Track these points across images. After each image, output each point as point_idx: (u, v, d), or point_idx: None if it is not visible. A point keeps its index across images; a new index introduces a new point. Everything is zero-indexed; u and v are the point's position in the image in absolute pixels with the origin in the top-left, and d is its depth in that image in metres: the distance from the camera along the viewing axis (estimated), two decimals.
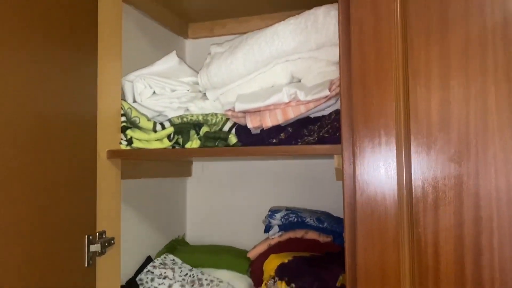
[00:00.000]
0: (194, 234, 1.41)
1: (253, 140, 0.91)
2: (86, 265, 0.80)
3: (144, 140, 0.93)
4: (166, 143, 0.93)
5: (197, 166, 1.43)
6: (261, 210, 1.30)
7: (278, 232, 1.15)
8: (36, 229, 0.70)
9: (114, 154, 0.90)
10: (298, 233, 1.13)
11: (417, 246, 0.65)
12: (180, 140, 0.94)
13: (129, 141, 0.93)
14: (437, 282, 0.64)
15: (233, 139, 0.93)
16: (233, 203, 1.39)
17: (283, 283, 0.91)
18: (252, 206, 1.36)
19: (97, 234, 0.83)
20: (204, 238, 1.39)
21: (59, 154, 0.76)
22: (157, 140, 0.93)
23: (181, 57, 1.08)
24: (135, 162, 1.08)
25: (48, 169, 0.73)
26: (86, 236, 0.80)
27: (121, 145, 0.93)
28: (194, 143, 0.93)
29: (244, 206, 1.38)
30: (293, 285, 0.90)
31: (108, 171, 0.90)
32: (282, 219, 1.15)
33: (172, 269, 1.12)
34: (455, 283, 0.63)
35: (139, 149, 0.93)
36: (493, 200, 0.64)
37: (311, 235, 1.12)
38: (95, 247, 0.82)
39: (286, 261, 0.97)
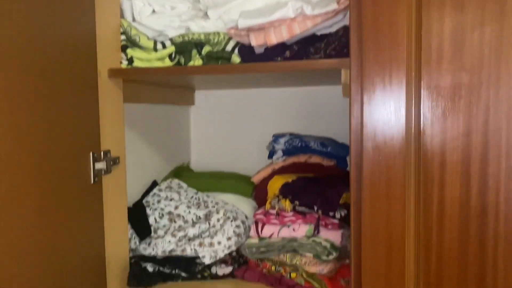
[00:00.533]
0: (199, 162, 1.42)
1: (256, 59, 0.88)
2: (92, 182, 0.80)
3: (145, 60, 0.91)
4: (168, 63, 0.91)
5: (200, 95, 1.41)
6: (265, 137, 1.30)
7: (282, 156, 1.16)
8: (40, 145, 0.69)
9: (115, 72, 0.88)
10: (301, 158, 1.14)
11: (424, 156, 0.65)
12: (182, 60, 0.92)
13: (130, 61, 0.91)
14: (442, 191, 0.64)
15: (236, 58, 0.90)
16: (237, 131, 1.39)
17: (287, 201, 0.92)
18: (255, 134, 1.36)
19: (102, 152, 0.84)
20: (209, 165, 1.40)
21: (60, 74, 0.75)
22: (158, 60, 0.91)
23: None
24: (137, 86, 1.06)
25: (50, 87, 0.72)
26: (91, 153, 0.80)
27: (121, 65, 0.91)
28: (196, 63, 0.91)
29: (247, 134, 1.38)
30: (296, 202, 0.91)
31: (110, 91, 0.88)
32: (286, 144, 1.15)
33: (178, 192, 1.13)
34: (460, 191, 0.63)
35: (140, 68, 0.91)
36: (503, 112, 0.62)
37: (315, 159, 1.12)
38: (100, 165, 0.82)
39: (290, 180, 0.98)
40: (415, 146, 0.65)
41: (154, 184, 1.17)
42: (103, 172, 0.84)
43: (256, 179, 1.15)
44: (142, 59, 0.91)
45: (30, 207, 0.67)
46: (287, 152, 1.16)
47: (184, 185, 1.18)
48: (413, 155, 0.66)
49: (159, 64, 0.91)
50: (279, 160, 1.16)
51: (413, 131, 0.65)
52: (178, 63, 0.91)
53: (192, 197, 1.13)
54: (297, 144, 1.15)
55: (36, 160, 0.68)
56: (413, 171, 0.66)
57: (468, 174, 0.63)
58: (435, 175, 0.64)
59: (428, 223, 0.65)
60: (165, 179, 1.22)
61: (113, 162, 0.86)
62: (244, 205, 1.13)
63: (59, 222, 0.74)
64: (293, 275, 0.87)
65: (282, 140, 1.16)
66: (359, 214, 0.70)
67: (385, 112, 0.66)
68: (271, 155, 1.20)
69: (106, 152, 0.85)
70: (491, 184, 0.62)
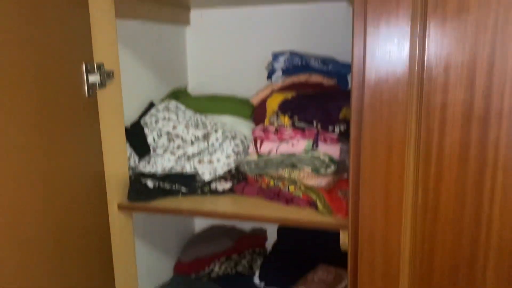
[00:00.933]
0: (196, 85, 1.39)
1: None
2: (86, 95, 0.78)
3: None
4: None
5: (196, 14, 1.35)
6: (264, 59, 1.25)
7: (282, 76, 1.13)
8: (29, 55, 0.66)
9: None
10: (301, 77, 1.11)
11: (428, 61, 0.62)
12: None
13: None
14: (446, 95, 0.63)
15: None
16: (235, 52, 1.34)
17: (286, 116, 0.91)
18: (254, 55, 1.32)
19: (95, 65, 0.81)
20: (207, 89, 1.37)
21: None
22: None
23: None
24: (129, 1, 1.01)
25: None
26: (83, 63, 0.77)
27: None
28: None
29: (246, 56, 1.33)
30: (296, 117, 0.90)
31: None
32: (286, 62, 1.12)
33: (176, 113, 1.12)
34: (464, 94, 0.62)
35: None
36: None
37: (315, 78, 1.09)
38: (94, 78, 0.80)
39: (289, 97, 0.96)
40: (420, 51, 0.63)
41: (151, 105, 1.16)
42: (97, 85, 0.81)
43: (255, 100, 1.13)
44: None
45: (26, 119, 0.65)
46: (286, 71, 1.12)
47: (182, 107, 1.16)
48: (417, 60, 0.63)
49: None
50: (279, 80, 1.13)
51: (418, 34, 0.62)
52: None
53: (190, 118, 1.11)
54: (297, 63, 1.11)
55: (27, 70, 0.66)
56: (416, 77, 0.64)
57: (473, 77, 0.61)
58: (439, 79, 0.62)
59: (429, 128, 0.64)
60: (162, 101, 1.20)
61: (108, 75, 0.84)
62: (243, 127, 1.12)
63: (56, 136, 0.72)
64: (291, 188, 0.88)
65: (281, 59, 1.13)
66: (359, 122, 0.69)
67: (389, 17, 0.63)
68: (270, 75, 1.17)
69: (100, 65, 0.82)
70: (495, 88, 0.60)
